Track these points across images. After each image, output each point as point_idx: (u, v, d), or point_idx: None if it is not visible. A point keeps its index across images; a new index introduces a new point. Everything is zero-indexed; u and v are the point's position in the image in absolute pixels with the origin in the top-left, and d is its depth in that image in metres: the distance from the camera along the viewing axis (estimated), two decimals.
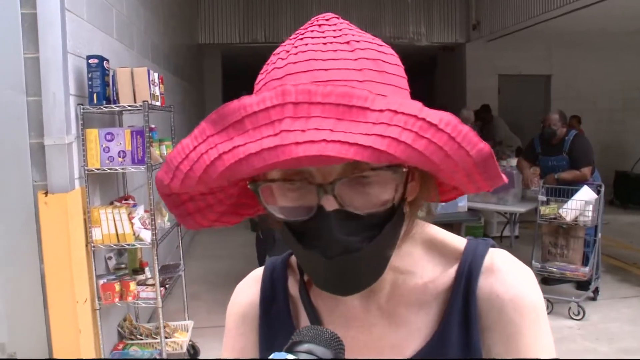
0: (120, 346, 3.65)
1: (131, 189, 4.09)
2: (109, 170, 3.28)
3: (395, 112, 0.53)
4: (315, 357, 0.57)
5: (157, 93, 3.57)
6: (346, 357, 0.73)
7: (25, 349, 3.06)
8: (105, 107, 3.22)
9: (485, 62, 10.06)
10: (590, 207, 4.71)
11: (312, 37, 0.63)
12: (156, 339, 3.66)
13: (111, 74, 3.30)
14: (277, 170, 0.62)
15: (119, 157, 3.25)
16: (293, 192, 0.63)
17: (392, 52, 0.66)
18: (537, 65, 10.40)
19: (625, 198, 9.86)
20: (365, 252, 0.61)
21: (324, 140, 0.52)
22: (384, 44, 0.66)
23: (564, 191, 4.90)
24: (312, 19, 0.67)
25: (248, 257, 4.89)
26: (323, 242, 0.61)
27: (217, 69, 10.79)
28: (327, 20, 0.65)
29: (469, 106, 8.75)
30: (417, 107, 0.54)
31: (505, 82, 10.34)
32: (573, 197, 4.76)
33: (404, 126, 0.53)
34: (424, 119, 0.54)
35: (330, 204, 0.60)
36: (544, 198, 4.93)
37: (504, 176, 0.61)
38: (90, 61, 3.16)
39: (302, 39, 0.64)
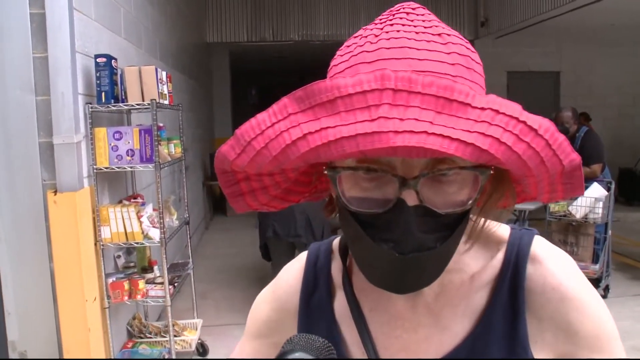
0: (130, 344, 3.66)
1: (140, 187, 4.11)
2: (117, 169, 3.28)
3: (497, 112, 0.52)
4: None
5: (165, 91, 3.58)
6: (388, 356, 0.73)
7: (35, 346, 3.08)
8: (113, 106, 3.23)
9: (494, 59, 10.00)
10: (600, 204, 4.68)
11: (403, 25, 0.61)
12: (165, 337, 3.68)
13: (119, 72, 3.31)
14: (353, 159, 0.59)
15: (128, 155, 3.25)
16: (366, 182, 0.61)
17: (474, 50, 0.65)
18: (546, 61, 10.34)
19: (630, 195, 9.80)
20: (437, 252, 0.60)
21: (425, 132, 0.50)
22: (467, 40, 0.64)
23: None
24: (397, 5, 0.65)
25: (257, 256, 4.90)
26: (396, 236, 0.59)
27: (225, 67, 10.80)
28: (413, 9, 0.64)
29: None
30: (517, 110, 0.53)
31: (514, 79, 10.29)
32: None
33: (505, 127, 0.52)
34: (524, 122, 0.53)
35: (412, 199, 0.58)
36: None
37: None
38: (98, 60, 3.17)
39: (391, 24, 0.62)
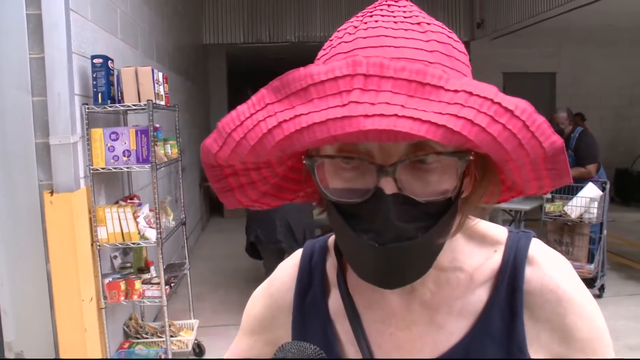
0: (126, 345, 3.66)
1: (136, 188, 4.11)
2: (114, 170, 3.29)
3: (471, 93, 0.51)
4: None
5: (162, 92, 3.58)
6: (382, 354, 0.72)
7: (31, 347, 3.08)
8: (110, 107, 3.23)
9: (490, 61, 10.04)
10: (595, 204, 4.70)
11: (382, 16, 0.61)
12: (162, 337, 3.68)
13: (116, 73, 3.31)
14: (333, 147, 0.60)
15: (124, 156, 3.26)
16: (348, 172, 0.60)
17: (459, 39, 0.64)
18: (542, 62, 10.37)
19: (627, 195, 9.85)
20: (419, 242, 0.59)
21: (395, 115, 0.50)
22: (451, 30, 0.63)
23: (569, 188, 4.88)
24: None
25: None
26: (376, 226, 0.58)
27: (221, 68, 10.79)
28: (396, 1, 0.63)
29: None
30: (492, 91, 0.52)
31: (510, 80, 10.31)
32: (578, 194, 4.75)
33: (479, 109, 0.51)
34: (499, 104, 0.51)
35: (389, 187, 0.57)
36: (549, 195, 4.92)
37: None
38: (94, 61, 3.17)
39: (371, 16, 0.61)
